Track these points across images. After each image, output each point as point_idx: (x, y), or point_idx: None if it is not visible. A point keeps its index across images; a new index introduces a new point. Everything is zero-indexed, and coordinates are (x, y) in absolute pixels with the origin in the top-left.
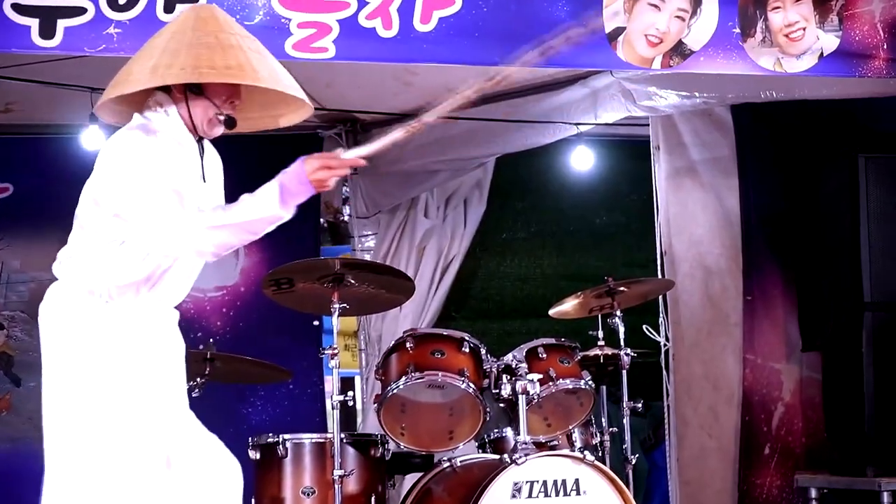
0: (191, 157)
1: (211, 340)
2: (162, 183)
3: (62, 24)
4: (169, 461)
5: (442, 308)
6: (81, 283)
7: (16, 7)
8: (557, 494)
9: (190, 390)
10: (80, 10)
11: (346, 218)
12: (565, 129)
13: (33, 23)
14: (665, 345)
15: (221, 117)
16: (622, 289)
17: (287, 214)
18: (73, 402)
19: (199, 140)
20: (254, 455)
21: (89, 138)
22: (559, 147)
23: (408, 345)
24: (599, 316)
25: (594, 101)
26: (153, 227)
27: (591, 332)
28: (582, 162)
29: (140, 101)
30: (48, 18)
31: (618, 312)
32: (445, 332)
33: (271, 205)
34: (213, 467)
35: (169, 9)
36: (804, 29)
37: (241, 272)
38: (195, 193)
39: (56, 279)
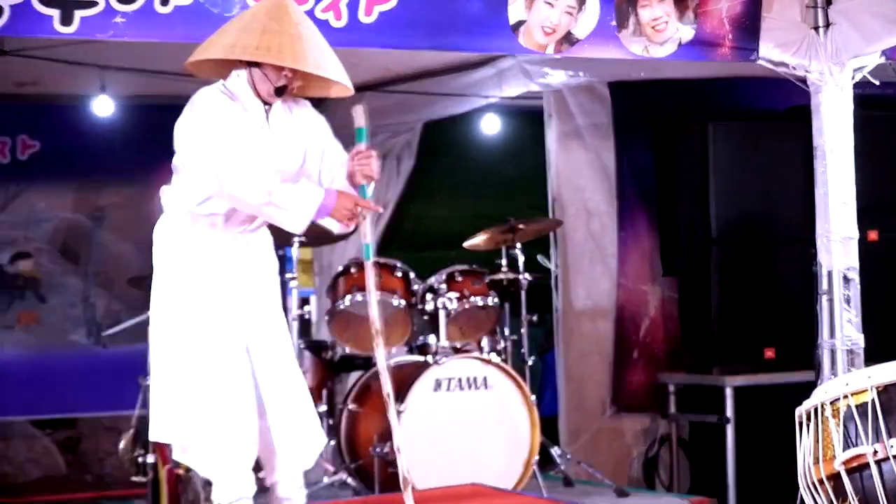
0: (253, 115)
1: None
2: (219, 132)
3: (78, 14)
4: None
5: (380, 241)
6: (174, 213)
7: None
8: (470, 388)
9: None
10: (93, 3)
11: None
12: (477, 101)
13: (55, 13)
14: (555, 271)
15: (273, 87)
16: (521, 226)
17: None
18: (168, 300)
19: (268, 103)
20: None
21: (99, 106)
22: (473, 115)
23: (352, 270)
24: (504, 248)
25: (500, 79)
26: (208, 164)
27: (496, 261)
28: (491, 127)
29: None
30: (67, 9)
31: (518, 245)
32: (382, 260)
33: (299, 217)
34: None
35: (164, 2)
36: (667, 22)
37: None
38: (250, 142)
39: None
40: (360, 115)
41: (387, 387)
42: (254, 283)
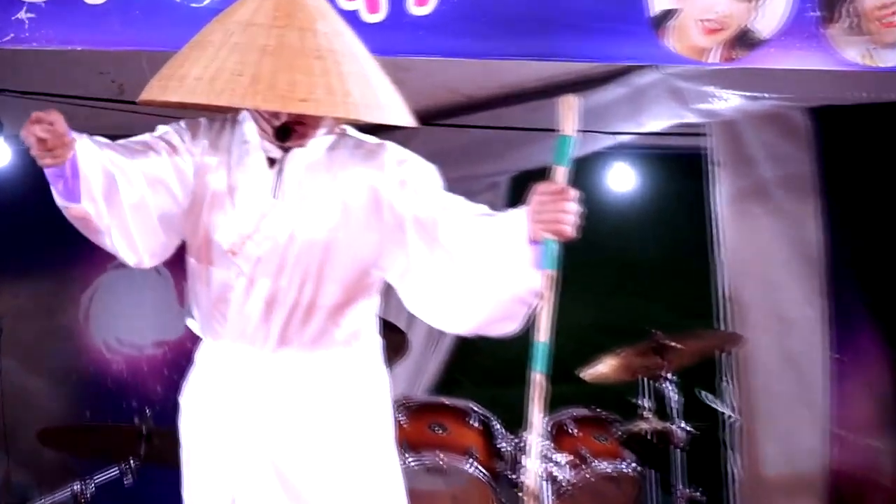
0: (249, 168)
1: (147, 411)
2: None
3: None
4: None
5: (443, 370)
6: None
7: None
8: None
9: (121, 474)
10: None
11: None
12: (600, 140)
13: None
14: (730, 416)
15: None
16: (674, 345)
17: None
18: None
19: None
20: None
21: None
22: (592, 162)
23: (400, 417)
24: (645, 379)
25: (636, 105)
26: None
27: (634, 401)
28: (621, 181)
29: None
30: None
31: (669, 375)
32: (448, 400)
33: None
34: None
35: None
36: None
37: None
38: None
39: None
40: (567, 114)
41: None
42: (276, 419)
